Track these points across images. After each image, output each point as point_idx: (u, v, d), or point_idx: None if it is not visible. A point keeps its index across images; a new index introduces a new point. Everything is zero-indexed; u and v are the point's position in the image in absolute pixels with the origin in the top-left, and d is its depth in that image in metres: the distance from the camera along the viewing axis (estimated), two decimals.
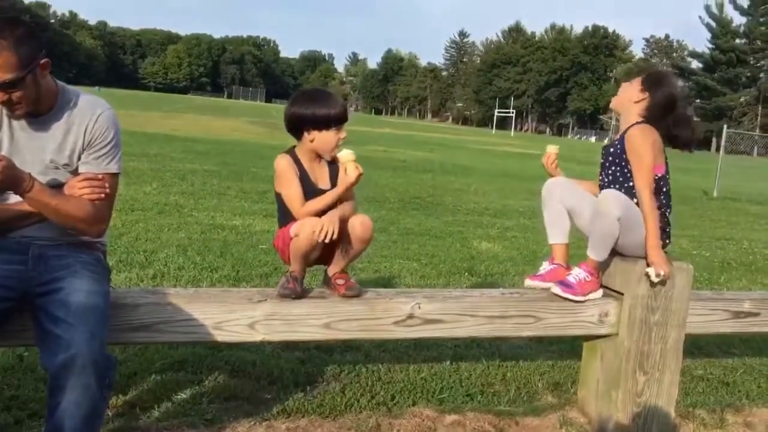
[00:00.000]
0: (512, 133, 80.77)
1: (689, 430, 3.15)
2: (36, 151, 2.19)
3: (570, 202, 2.97)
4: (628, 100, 2.96)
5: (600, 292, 2.91)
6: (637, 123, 2.90)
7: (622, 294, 2.92)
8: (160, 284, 4.47)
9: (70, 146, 2.21)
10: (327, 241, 2.45)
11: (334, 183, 2.64)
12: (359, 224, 2.54)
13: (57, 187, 2.20)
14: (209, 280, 4.72)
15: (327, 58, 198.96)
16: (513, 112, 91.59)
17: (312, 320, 2.55)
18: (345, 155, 2.56)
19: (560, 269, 2.96)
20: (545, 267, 3.00)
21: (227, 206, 8.31)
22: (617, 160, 2.91)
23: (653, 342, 2.91)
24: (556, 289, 2.84)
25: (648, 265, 2.78)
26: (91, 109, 2.25)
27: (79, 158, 2.23)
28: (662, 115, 2.92)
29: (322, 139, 2.60)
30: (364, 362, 3.43)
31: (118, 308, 2.29)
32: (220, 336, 2.46)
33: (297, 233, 2.50)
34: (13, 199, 2.15)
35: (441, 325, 2.71)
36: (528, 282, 2.97)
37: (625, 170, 2.89)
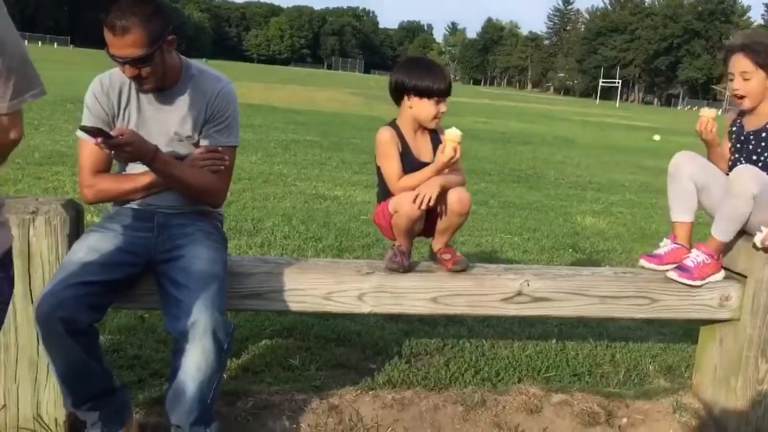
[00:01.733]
0: (617, 103, 77.71)
1: None
2: (161, 124, 2.28)
3: (701, 179, 2.79)
4: (763, 88, 2.73)
5: (721, 274, 2.75)
6: None
7: (746, 277, 2.76)
8: (267, 252, 4.61)
9: (193, 119, 2.29)
10: (424, 207, 2.42)
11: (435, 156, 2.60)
12: (456, 199, 2.49)
13: (180, 158, 2.28)
14: (314, 250, 4.82)
15: (426, 28, 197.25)
16: (619, 82, 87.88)
17: (419, 294, 2.55)
18: (450, 134, 2.48)
19: (681, 250, 2.81)
20: (666, 245, 2.86)
21: (328, 176, 8.45)
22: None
23: None
24: (672, 274, 2.70)
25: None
26: (212, 85, 2.31)
27: (200, 131, 2.30)
28: None
29: (420, 106, 2.55)
30: (468, 337, 3.42)
31: (233, 276, 2.37)
32: (329, 306, 2.51)
33: (396, 209, 2.49)
34: (139, 169, 2.25)
35: (550, 303, 2.65)
36: (643, 262, 2.84)
37: None
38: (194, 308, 2.00)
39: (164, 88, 2.26)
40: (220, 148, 2.31)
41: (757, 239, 2.61)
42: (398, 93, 2.59)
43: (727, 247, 2.83)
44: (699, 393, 2.99)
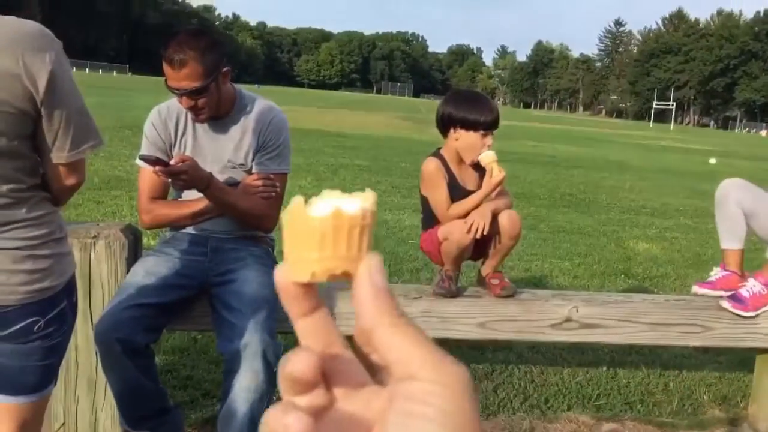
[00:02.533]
0: (672, 126, 76.23)
1: None
2: (215, 152, 2.36)
3: (749, 205, 2.75)
4: None
5: None
6: None
7: None
8: None
9: (246, 147, 2.36)
10: (478, 236, 2.44)
11: (481, 184, 2.62)
12: (507, 220, 2.50)
13: (233, 185, 2.36)
14: None
15: (475, 51, 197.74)
16: (673, 105, 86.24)
17: (467, 319, 2.56)
18: (487, 156, 2.51)
19: (733, 277, 2.76)
20: (716, 273, 2.81)
21: (378, 201, 8.43)
22: None
23: None
24: (726, 304, 2.65)
25: None
26: (264, 114, 2.39)
27: (253, 159, 2.38)
28: None
29: (467, 140, 2.56)
30: (516, 363, 3.39)
31: None
32: None
33: (446, 237, 2.51)
34: (194, 195, 2.34)
35: (599, 330, 2.63)
36: (696, 289, 2.79)
37: None
38: (245, 331, 2.05)
39: (218, 117, 2.34)
40: (271, 175, 2.38)
41: None
42: (445, 125, 2.62)
43: None
44: (756, 424, 2.91)
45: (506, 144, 16.58)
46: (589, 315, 2.61)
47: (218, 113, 2.33)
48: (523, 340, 2.74)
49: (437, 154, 2.66)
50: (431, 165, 2.61)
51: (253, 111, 2.39)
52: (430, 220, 2.65)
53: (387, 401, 0.34)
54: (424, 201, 2.66)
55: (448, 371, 0.33)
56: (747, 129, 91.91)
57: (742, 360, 3.58)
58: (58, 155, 1.53)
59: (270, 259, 2.42)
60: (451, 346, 3.48)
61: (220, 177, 2.32)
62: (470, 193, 2.59)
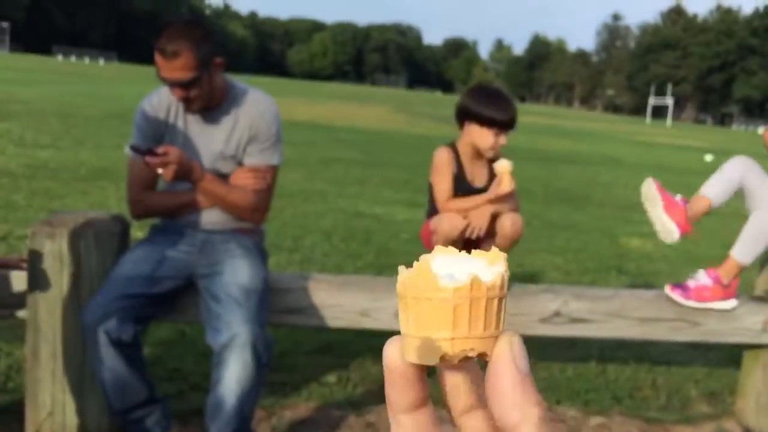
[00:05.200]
0: (669, 122, 76.33)
1: None
2: (206, 143, 2.35)
3: (750, 182, 2.67)
4: None
5: (731, 302, 2.66)
6: None
7: None
8: (307, 269, 4.67)
9: (237, 139, 2.35)
10: (473, 237, 2.45)
11: (491, 183, 2.61)
12: (510, 223, 2.50)
13: (223, 176, 2.35)
14: (353, 267, 4.86)
15: (471, 44, 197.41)
16: (670, 100, 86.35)
17: None
18: (502, 165, 2.51)
19: (714, 288, 2.67)
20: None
21: (370, 194, 8.50)
22: None
23: None
24: (668, 291, 2.68)
25: None
26: (256, 105, 2.38)
27: (244, 150, 2.37)
28: None
29: (480, 135, 2.56)
30: None
31: (272, 291, 2.42)
32: (367, 323, 2.54)
33: (435, 228, 2.51)
34: (182, 187, 2.33)
35: (588, 325, 2.64)
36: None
37: None
38: (234, 322, 2.05)
39: (210, 108, 2.33)
40: (262, 167, 2.37)
41: None
42: (461, 118, 2.62)
43: None
44: (742, 419, 2.92)
45: None
46: (578, 310, 2.62)
47: (210, 104, 2.32)
48: None
49: (452, 145, 2.66)
50: (442, 154, 2.61)
51: (245, 102, 2.38)
52: (433, 209, 2.65)
53: None
54: (430, 189, 2.66)
55: None
56: (744, 126, 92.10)
57: (730, 356, 3.60)
58: None
59: (260, 250, 2.42)
60: None
61: (211, 168, 2.32)
62: (475, 190, 2.59)
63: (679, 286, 2.69)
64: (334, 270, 4.71)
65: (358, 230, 6.25)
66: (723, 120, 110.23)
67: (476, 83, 2.83)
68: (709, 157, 21.73)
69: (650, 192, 2.76)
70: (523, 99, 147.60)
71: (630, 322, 2.65)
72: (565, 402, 2.99)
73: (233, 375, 2.03)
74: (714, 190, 2.72)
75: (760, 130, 3.43)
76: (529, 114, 47.55)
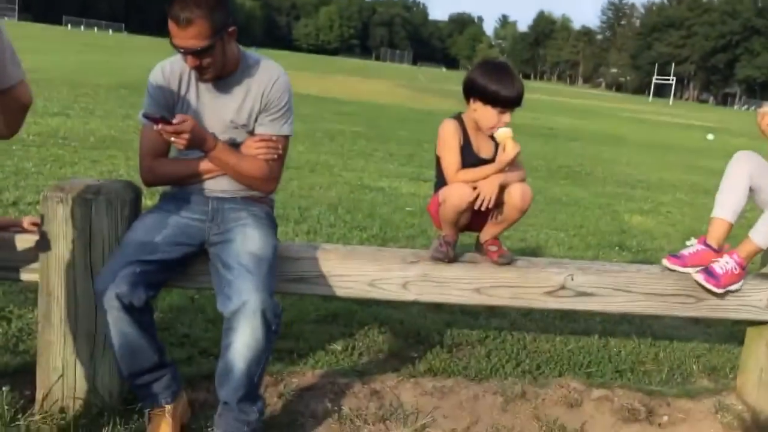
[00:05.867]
0: (671, 101, 75.94)
1: None
2: (218, 112, 2.35)
3: (758, 181, 2.69)
4: None
5: (740, 284, 2.66)
6: None
7: None
8: (314, 240, 4.70)
9: (249, 108, 2.36)
10: (483, 208, 2.46)
11: (497, 154, 2.61)
12: (519, 193, 2.50)
13: (235, 145, 2.36)
14: (358, 239, 4.88)
15: (476, 20, 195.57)
16: (673, 80, 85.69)
17: (463, 284, 2.58)
18: (502, 132, 2.50)
19: (706, 253, 2.69)
20: (691, 246, 2.74)
21: (374, 167, 8.51)
22: None
23: None
24: (699, 277, 2.62)
25: None
26: (268, 75, 2.38)
27: (255, 120, 2.37)
28: None
29: (483, 113, 2.55)
30: (510, 329, 3.44)
31: (281, 260, 2.43)
32: (374, 293, 2.56)
33: (444, 199, 2.52)
34: (194, 155, 2.34)
35: (594, 299, 2.66)
36: (666, 263, 2.73)
37: None
38: (245, 289, 2.07)
39: (222, 77, 2.33)
40: (274, 137, 2.38)
41: None
42: (467, 92, 2.61)
43: None
44: (743, 395, 2.96)
45: None
46: (584, 283, 2.64)
47: (222, 73, 2.31)
48: (517, 306, 2.77)
49: (458, 116, 2.65)
50: (449, 126, 2.60)
51: (258, 72, 2.38)
52: (441, 183, 2.65)
53: None
54: (438, 162, 2.66)
55: None
56: (746, 106, 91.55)
57: (731, 332, 3.64)
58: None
59: (270, 219, 2.43)
60: (446, 311, 3.52)
61: (222, 137, 2.32)
62: (483, 161, 2.59)
63: (705, 271, 2.63)
64: (340, 241, 4.74)
65: (364, 203, 6.27)
66: (725, 100, 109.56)
67: (484, 58, 2.81)
68: (711, 137, 21.68)
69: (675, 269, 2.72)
70: (527, 76, 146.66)
71: (636, 296, 2.67)
72: (568, 374, 3.03)
73: (243, 341, 2.06)
74: (726, 206, 2.72)
75: (764, 108, 3.44)
76: (533, 91, 47.32)
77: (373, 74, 44.84)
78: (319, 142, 10.15)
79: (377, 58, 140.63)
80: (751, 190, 2.72)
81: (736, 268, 2.63)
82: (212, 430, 2.24)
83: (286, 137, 2.43)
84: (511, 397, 2.77)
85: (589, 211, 7.29)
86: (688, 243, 2.81)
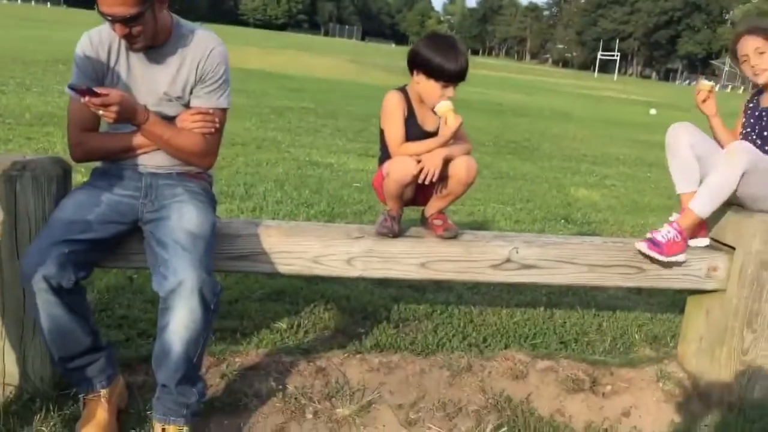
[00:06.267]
0: (616, 77, 77.32)
1: None
2: (150, 83, 2.24)
3: (699, 149, 2.76)
4: None
5: (684, 255, 2.71)
6: None
7: (734, 248, 2.77)
8: (259, 217, 4.61)
9: (183, 79, 2.25)
10: (427, 182, 2.42)
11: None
12: (464, 167, 2.47)
13: (169, 119, 2.26)
14: (305, 215, 4.81)
15: None
16: (618, 55, 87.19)
17: (408, 259, 2.55)
18: (442, 106, 2.45)
19: (679, 243, 2.70)
20: (666, 232, 2.71)
21: (322, 143, 8.41)
22: None
23: (764, 300, 2.75)
24: (641, 246, 2.67)
25: None
26: (204, 44, 2.28)
27: (191, 92, 2.27)
28: None
29: (426, 86, 2.50)
30: (457, 303, 3.43)
31: (220, 237, 2.37)
32: (318, 269, 2.51)
33: (388, 172, 2.48)
34: (126, 129, 2.23)
35: (539, 271, 2.66)
36: (646, 251, 2.69)
37: None
38: (181, 268, 1.99)
39: (155, 47, 2.22)
40: (210, 110, 2.29)
41: None
42: (410, 64, 2.55)
43: (715, 218, 2.85)
44: (684, 362, 3.03)
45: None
46: (529, 256, 2.64)
47: (155, 42, 2.20)
48: (463, 280, 2.75)
49: (402, 89, 2.59)
50: (392, 98, 2.55)
51: (192, 41, 2.28)
52: (386, 156, 2.60)
53: None
54: (382, 135, 2.60)
55: None
56: (687, 81, 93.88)
57: (673, 301, 3.71)
58: None
59: (208, 195, 2.34)
60: (393, 286, 3.50)
61: (155, 110, 2.22)
62: (428, 134, 2.55)
63: (649, 240, 2.67)
64: (286, 218, 4.66)
65: (311, 179, 6.19)
66: (668, 75, 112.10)
67: (431, 31, 2.75)
68: (653, 111, 22.16)
69: (649, 254, 2.71)
70: (476, 52, 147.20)
71: (580, 268, 2.69)
72: (513, 346, 3.05)
73: (180, 321, 1.98)
74: (684, 180, 2.79)
75: (700, 83, 3.51)
76: (481, 67, 47.54)
77: (321, 50, 44.32)
78: (267, 119, 9.98)
79: (326, 34, 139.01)
80: (698, 159, 2.77)
81: (677, 237, 2.67)
82: (151, 413, 2.16)
83: (224, 110, 2.33)
84: (458, 370, 2.76)
85: (536, 185, 7.36)
86: (668, 221, 2.80)
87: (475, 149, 9.42)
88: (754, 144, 2.79)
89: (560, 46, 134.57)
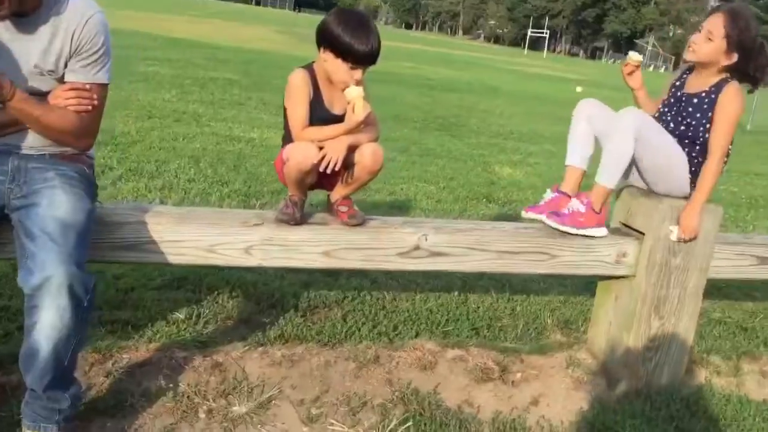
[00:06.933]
0: (545, 54, 78.53)
1: (702, 377, 3.03)
2: (19, 55, 2.01)
3: (600, 127, 2.76)
4: (716, 55, 2.66)
5: (603, 230, 2.71)
6: (731, 81, 2.67)
7: (643, 234, 2.75)
8: (168, 196, 4.38)
9: (56, 51, 2.03)
10: (329, 171, 2.28)
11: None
12: (370, 153, 2.34)
13: (41, 95, 2.04)
14: (218, 194, 4.60)
15: None
16: (547, 33, 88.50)
17: (311, 247, 2.42)
18: (352, 90, 2.29)
19: (563, 199, 2.77)
20: (546, 196, 2.84)
21: (246, 117, 8.13)
22: (699, 114, 2.68)
23: (672, 287, 2.75)
24: (542, 217, 2.72)
25: (677, 224, 2.63)
26: (80, 12, 2.05)
27: (65, 65, 2.05)
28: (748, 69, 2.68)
29: (334, 65, 2.34)
30: (370, 289, 3.32)
31: (104, 225, 2.18)
32: (214, 259, 2.35)
33: (288, 157, 2.33)
34: None
35: (448, 258, 2.58)
36: (524, 214, 2.82)
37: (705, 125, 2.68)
38: (48, 262, 1.80)
39: (23, 15, 1.99)
40: (87, 85, 2.08)
41: (674, 235, 2.67)
42: (319, 41, 2.38)
43: (626, 205, 2.82)
44: (593, 348, 3.01)
45: (384, 65, 16.32)
46: (438, 243, 2.54)
47: (22, 9, 1.97)
48: (370, 268, 2.64)
49: (309, 67, 2.42)
50: (297, 77, 2.38)
51: (67, 9, 2.05)
52: (289, 137, 2.44)
53: None
54: (285, 115, 2.43)
55: None
56: (613, 59, 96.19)
57: (585, 284, 3.71)
58: None
59: (84, 179, 2.13)
60: (304, 272, 3.36)
61: (25, 85, 1.99)
62: (334, 117, 2.39)
63: (551, 212, 2.68)
64: (197, 197, 4.45)
65: (230, 155, 5.95)
66: (594, 54, 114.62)
67: (342, 8, 2.59)
68: (580, 89, 22.57)
69: (533, 218, 2.76)
70: (409, 26, 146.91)
71: (489, 254, 2.62)
72: (425, 334, 2.97)
73: (47, 321, 1.80)
74: (574, 152, 2.85)
75: (632, 54, 3.53)
76: (413, 41, 47.46)
77: (251, 19, 43.25)
78: (188, 90, 9.58)
79: (257, 3, 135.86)
80: (598, 136, 2.79)
81: (581, 208, 2.66)
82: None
83: (103, 85, 2.12)
84: (364, 362, 2.66)
85: (461, 162, 7.31)
86: (544, 195, 2.84)
87: (404, 125, 9.31)
88: (666, 125, 2.77)
89: (492, 22, 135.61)
